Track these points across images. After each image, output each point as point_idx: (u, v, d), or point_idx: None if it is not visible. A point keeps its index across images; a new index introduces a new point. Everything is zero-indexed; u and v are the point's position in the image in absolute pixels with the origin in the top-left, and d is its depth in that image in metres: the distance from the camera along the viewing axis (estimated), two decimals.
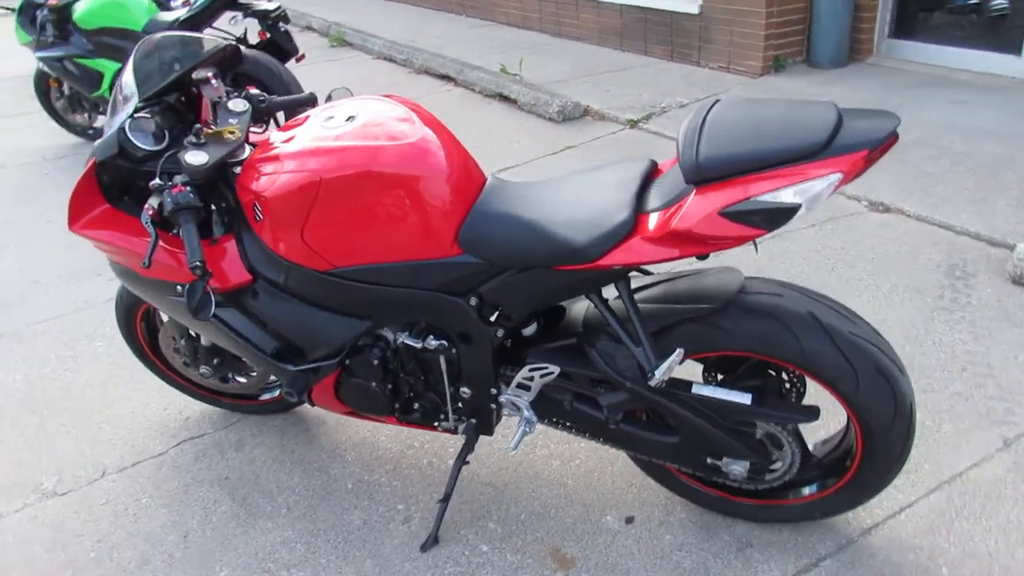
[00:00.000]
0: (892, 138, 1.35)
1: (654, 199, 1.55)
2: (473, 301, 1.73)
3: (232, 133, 1.87)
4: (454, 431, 1.99)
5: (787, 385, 1.78)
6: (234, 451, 2.40)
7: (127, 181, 1.92)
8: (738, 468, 1.75)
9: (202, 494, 2.24)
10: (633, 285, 1.76)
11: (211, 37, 2.03)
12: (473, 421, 1.95)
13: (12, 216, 4.40)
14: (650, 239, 1.48)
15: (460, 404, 1.93)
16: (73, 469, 2.38)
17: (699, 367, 1.88)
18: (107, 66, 4.93)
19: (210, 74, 1.94)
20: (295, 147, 1.72)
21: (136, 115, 1.87)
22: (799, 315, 1.58)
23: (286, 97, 2.12)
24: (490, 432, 1.97)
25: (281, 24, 4.86)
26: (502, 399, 1.88)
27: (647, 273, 1.90)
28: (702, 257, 1.54)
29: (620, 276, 1.62)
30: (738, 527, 1.97)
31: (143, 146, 1.86)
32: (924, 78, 5.21)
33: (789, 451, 1.74)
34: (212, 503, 2.20)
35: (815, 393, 1.86)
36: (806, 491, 1.86)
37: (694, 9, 5.83)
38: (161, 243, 1.83)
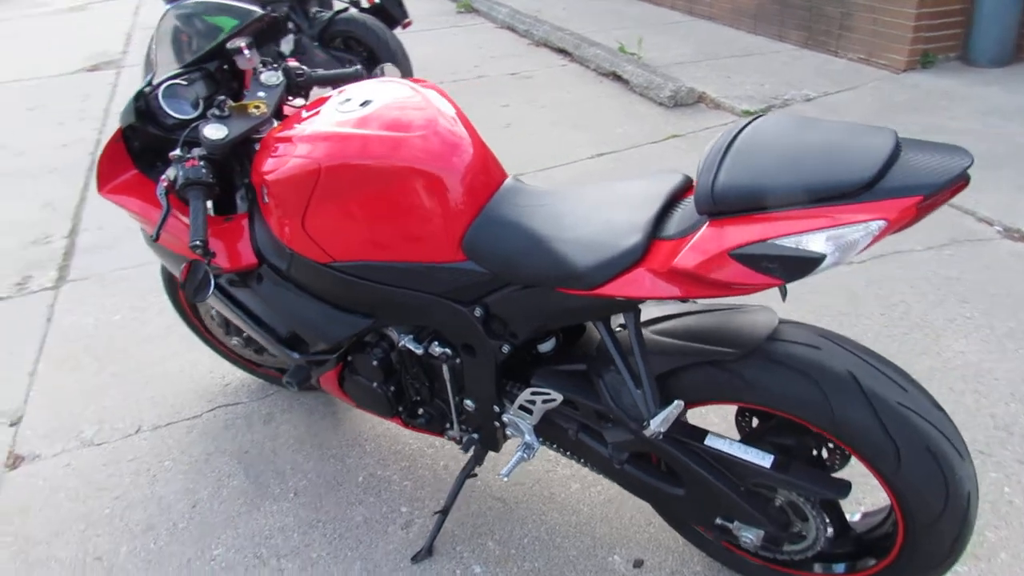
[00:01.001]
0: (959, 183, 1.10)
1: (674, 224, 1.35)
2: (478, 312, 1.59)
3: (257, 107, 1.80)
4: (460, 443, 1.87)
5: (826, 451, 1.54)
6: (261, 424, 2.39)
7: (159, 147, 1.89)
8: (750, 535, 1.54)
9: (220, 465, 2.24)
10: (655, 314, 1.57)
11: (248, 6, 1.96)
12: (475, 436, 1.82)
13: None
14: (654, 272, 1.29)
15: (464, 416, 1.81)
16: (113, 421, 2.44)
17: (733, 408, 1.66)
18: (226, 22, 5.03)
19: (243, 44, 1.87)
20: (305, 129, 1.63)
21: (171, 81, 1.84)
22: (836, 374, 1.35)
23: (329, 72, 2.03)
24: (496, 448, 1.84)
25: None
26: (505, 418, 1.74)
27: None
28: (784, 295, 1.34)
29: (628, 307, 1.44)
30: None
31: (174, 114, 1.83)
32: None
33: (814, 525, 1.51)
34: (227, 476, 2.20)
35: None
36: (835, 568, 1.61)
37: None
38: (176, 215, 1.79)
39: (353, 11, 4.80)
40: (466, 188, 1.53)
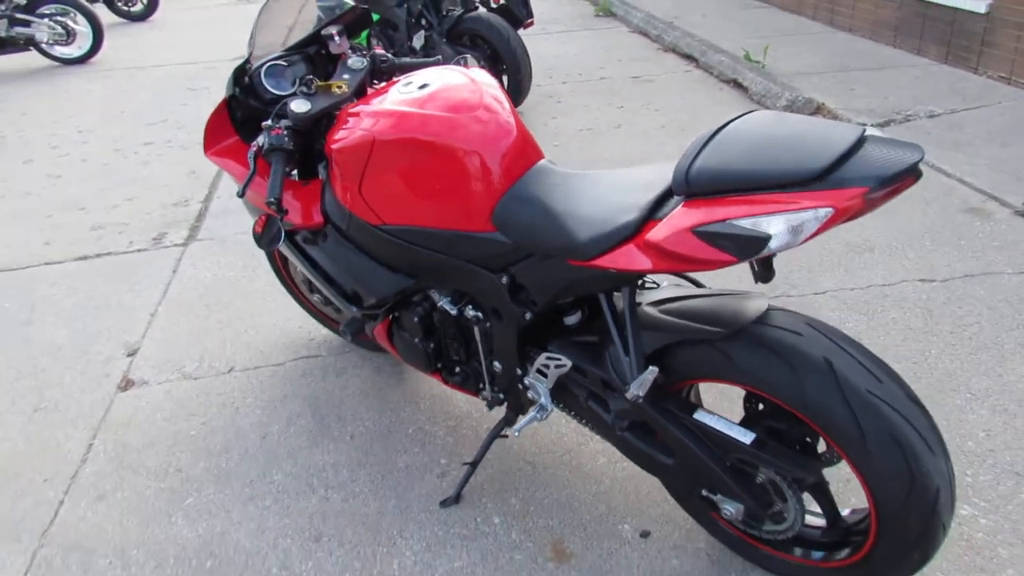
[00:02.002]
0: (907, 178, 1.16)
1: (669, 206, 1.45)
2: (504, 280, 1.74)
3: (340, 88, 2.04)
4: (489, 403, 2.04)
5: (822, 445, 1.59)
6: (334, 376, 2.65)
7: (258, 118, 2.16)
8: (731, 508, 1.62)
9: (292, 406, 2.51)
10: (661, 296, 1.67)
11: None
12: (501, 396, 1.98)
13: None
14: (638, 246, 1.40)
15: (493, 378, 1.97)
16: (211, 360, 2.78)
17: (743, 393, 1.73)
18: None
19: (335, 31, 2.11)
20: (368, 107, 1.84)
21: (273, 61, 2.11)
22: (812, 359, 1.41)
23: (412, 59, 2.24)
24: (522, 411, 1.99)
25: None
26: (526, 381, 1.88)
27: (696, 284, 1.79)
28: (765, 278, 1.43)
29: (628, 280, 1.55)
30: (755, 573, 1.82)
31: (272, 89, 2.10)
32: None
33: (792, 506, 1.57)
34: (296, 416, 2.46)
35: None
36: (814, 555, 1.66)
37: (981, 8, 5.07)
38: (261, 176, 2.05)
39: (481, 10, 5.05)
40: (499, 166, 1.69)
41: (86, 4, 7.41)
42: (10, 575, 1.96)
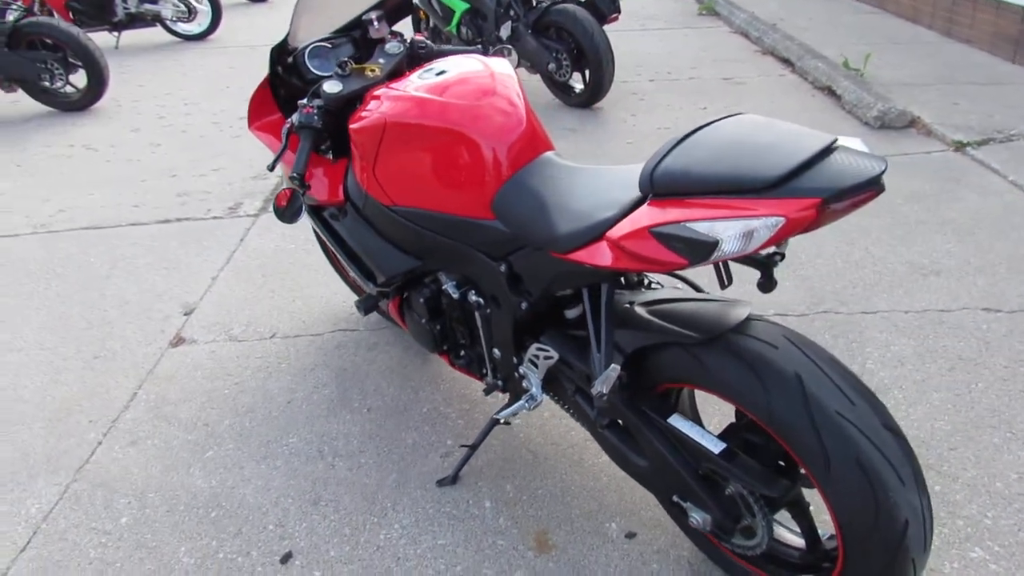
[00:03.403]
0: (866, 191, 1.11)
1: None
2: (503, 268, 1.77)
3: (373, 71, 2.10)
4: (487, 388, 2.06)
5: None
6: (365, 350, 2.74)
7: (300, 97, 2.26)
8: (698, 517, 1.59)
9: (321, 375, 2.61)
10: (654, 297, 1.65)
11: None
12: (500, 383, 2.00)
13: None
14: (607, 243, 1.39)
15: (493, 364, 2.00)
16: (257, 325, 2.92)
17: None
18: (458, 5, 5.53)
19: (374, 16, 2.18)
20: (387, 91, 1.89)
21: (317, 43, 2.20)
22: (782, 373, 1.37)
23: (447, 47, 2.28)
24: (519, 398, 2.01)
25: None
26: (521, 370, 1.90)
27: (695, 287, 1.76)
28: (766, 288, 1.41)
29: (606, 277, 1.55)
30: None
31: (314, 70, 2.19)
32: None
33: (760, 523, 1.53)
34: (322, 385, 2.56)
35: None
36: (784, 574, 1.61)
37: None
38: (291, 152, 2.14)
39: (568, 4, 5.05)
40: (502, 155, 1.71)
41: None
42: (43, 503, 2.13)
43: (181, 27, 7.98)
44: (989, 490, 2.01)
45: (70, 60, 5.60)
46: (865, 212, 3.56)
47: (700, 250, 1.21)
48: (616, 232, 1.33)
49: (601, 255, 1.40)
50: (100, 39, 7.04)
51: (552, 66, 5.09)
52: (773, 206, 1.15)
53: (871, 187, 1.12)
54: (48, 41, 5.56)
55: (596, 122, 5.01)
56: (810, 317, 2.79)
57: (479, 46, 2.30)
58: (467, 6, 5.48)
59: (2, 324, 3.01)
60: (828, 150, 1.19)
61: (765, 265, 1.53)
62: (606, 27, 5.08)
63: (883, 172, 1.12)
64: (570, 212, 1.53)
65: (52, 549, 1.98)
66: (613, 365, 1.48)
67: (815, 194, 1.12)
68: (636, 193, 1.45)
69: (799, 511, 1.59)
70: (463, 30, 5.63)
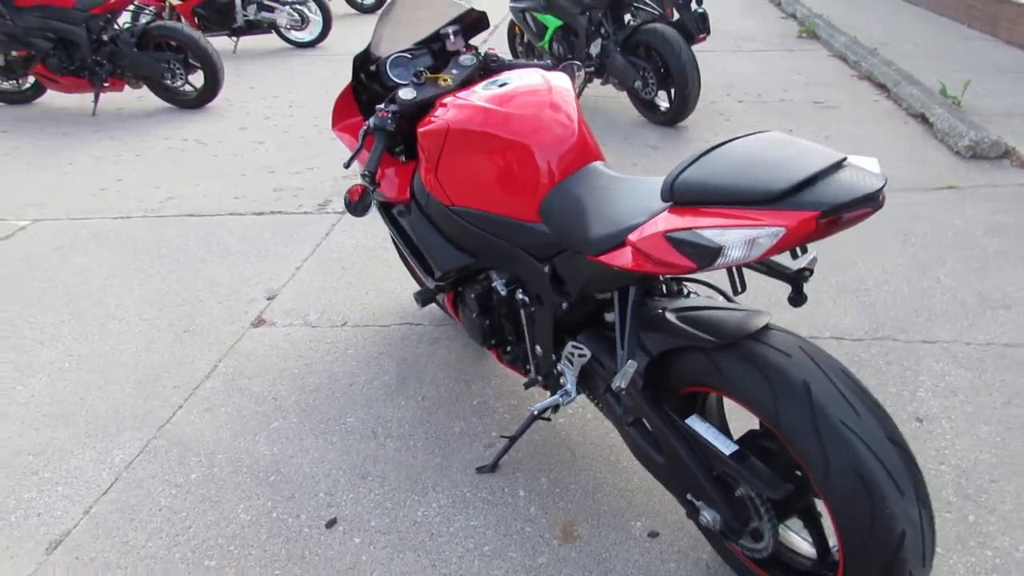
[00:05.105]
0: (864, 207, 1.18)
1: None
2: (547, 269, 1.89)
3: (446, 80, 2.26)
4: (527, 383, 2.18)
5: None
6: (427, 343, 2.90)
7: (381, 101, 2.44)
8: (708, 516, 1.65)
9: (383, 363, 2.79)
10: (683, 304, 1.73)
11: (459, 2, 2.41)
12: (540, 378, 2.12)
13: None
14: (629, 247, 1.49)
15: (535, 360, 2.12)
16: (330, 313, 3.13)
17: None
18: (551, 21, 5.69)
19: (451, 31, 2.34)
20: (453, 100, 2.05)
21: (399, 54, 2.38)
22: (792, 380, 1.43)
23: (518, 61, 2.42)
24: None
25: (695, 5, 5.05)
26: (559, 367, 2.01)
27: (726, 296, 1.83)
28: (796, 302, 1.50)
29: (635, 280, 1.64)
30: None
31: (395, 78, 2.37)
32: None
33: (767, 525, 1.58)
34: (383, 372, 2.74)
35: None
36: None
37: None
38: (367, 152, 2.32)
39: (657, 23, 5.13)
40: (552, 163, 1.84)
41: None
42: (126, 454, 2.38)
43: (294, 35, 8.44)
44: (1021, 524, 1.99)
45: (190, 61, 6.05)
46: (942, 242, 3.50)
47: (706, 255, 1.30)
48: (636, 236, 1.43)
49: (624, 258, 1.50)
50: (220, 43, 7.56)
51: (638, 84, 5.17)
52: (776, 217, 1.23)
53: (868, 203, 1.18)
54: (172, 43, 6.03)
55: (678, 140, 5.06)
56: (866, 343, 2.78)
57: (547, 62, 2.43)
58: (560, 23, 5.63)
59: (110, 295, 3.33)
60: (835, 167, 1.26)
61: (795, 280, 1.60)
62: (695, 47, 5.13)
63: (880, 189, 1.18)
64: (604, 218, 1.64)
65: (129, 494, 2.21)
66: (631, 361, 1.57)
67: (814, 207, 1.20)
68: (662, 202, 1.55)
69: (811, 520, 1.64)
70: (555, 46, 5.78)
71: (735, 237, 1.27)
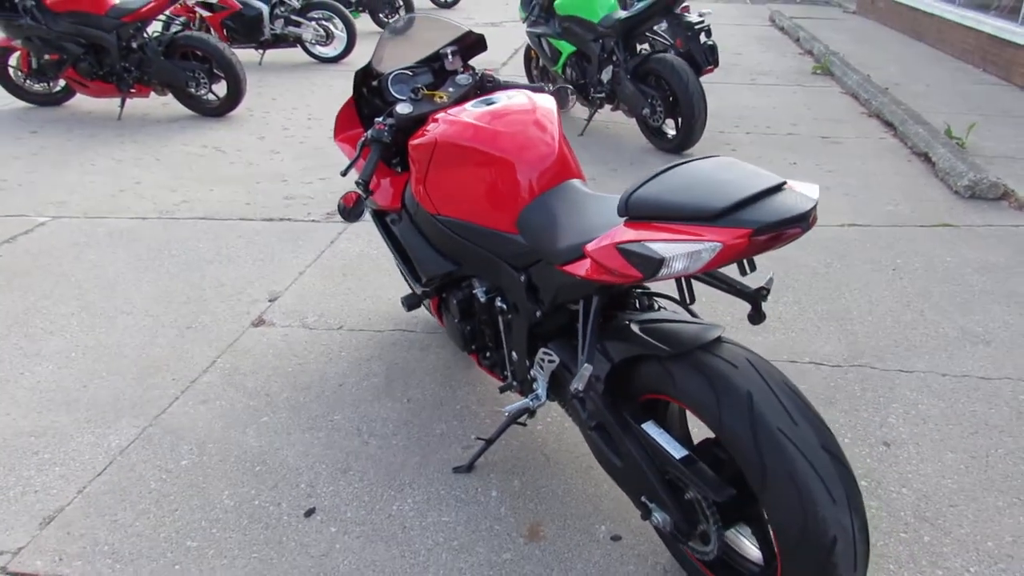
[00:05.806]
0: (793, 227, 1.27)
1: None
2: (523, 278, 1.99)
3: (441, 97, 2.38)
4: (502, 387, 2.27)
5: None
6: (418, 350, 3.00)
7: (380, 114, 2.57)
8: (659, 517, 1.74)
9: (373, 366, 2.89)
10: (647, 316, 1.82)
11: (459, 25, 2.54)
12: (515, 384, 2.21)
13: None
14: (587, 257, 1.59)
15: (512, 366, 2.21)
16: (328, 317, 3.25)
17: None
18: (565, 47, 5.83)
19: (450, 51, 2.47)
20: (443, 116, 2.17)
21: (400, 70, 2.51)
22: (736, 390, 1.52)
23: (512, 82, 2.53)
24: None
25: (704, 37, 5.17)
26: (532, 373, 2.11)
27: (691, 312, 1.92)
28: (755, 320, 1.61)
29: (597, 290, 1.74)
30: None
31: (395, 93, 2.49)
32: None
33: (714, 527, 1.66)
34: (372, 375, 2.84)
35: None
36: None
37: None
38: (364, 161, 2.45)
39: (668, 54, 5.26)
40: (532, 179, 1.95)
41: (346, 12, 8.51)
42: (121, 439, 2.49)
43: (319, 50, 8.66)
44: (979, 548, 2.05)
45: (214, 71, 6.25)
46: (931, 277, 3.57)
47: (651, 265, 1.40)
48: (592, 246, 1.53)
49: (584, 267, 1.60)
50: (246, 55, 7.77)
51: (647, 111, 5.29)
52: (715, 233, 1.33)
53: (797, 223, 1.28)
54: (198, 53, 6.23)
55: None
56: (844, 368, 2.85)
57: (542, 85, 2.55)
58: (574, 49, 5.78)
59: (119, 291, 3.47)
60: (774, 190, 1.36)
61: (754, 298, 1.70)
62: (708, 79, 5.25)
63: (810, 211, 1.28)
64: (572, 230, 1.74)
65: (122, 477, 2.32)
66: (587, 365, 1.67)
67: (748, 225, 1.30)
68: (619, 216, 1.65)
69: (759, 526, 1.72)
70: (568, 71, 5.92)
71: (678, 250, 1.36)
